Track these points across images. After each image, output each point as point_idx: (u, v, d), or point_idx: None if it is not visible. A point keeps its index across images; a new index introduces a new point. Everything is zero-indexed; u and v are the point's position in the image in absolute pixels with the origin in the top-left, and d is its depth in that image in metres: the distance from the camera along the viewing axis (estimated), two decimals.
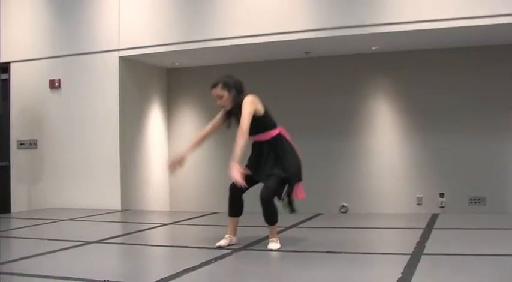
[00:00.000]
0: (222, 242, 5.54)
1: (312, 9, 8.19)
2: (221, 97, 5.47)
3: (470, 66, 8.75)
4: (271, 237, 5.52)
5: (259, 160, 5.52)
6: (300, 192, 5.58)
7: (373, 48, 8.78)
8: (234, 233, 5.68)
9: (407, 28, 7.68)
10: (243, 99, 5.38)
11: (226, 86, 5.44)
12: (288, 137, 5.60)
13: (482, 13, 7.35)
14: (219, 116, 5.70)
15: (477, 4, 7.38)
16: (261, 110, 5.41)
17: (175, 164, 5.79)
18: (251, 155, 5.63)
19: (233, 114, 5.52)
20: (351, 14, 7.92)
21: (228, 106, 5.49)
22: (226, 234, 5.64)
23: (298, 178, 5.55)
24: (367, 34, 7.90)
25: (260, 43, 8.37)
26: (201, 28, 8.63)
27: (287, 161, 5.44)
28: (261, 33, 8.31)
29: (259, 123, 5.42)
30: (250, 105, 5.32)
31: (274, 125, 5.51)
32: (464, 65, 8.78)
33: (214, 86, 5.48)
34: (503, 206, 8.43)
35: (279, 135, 5.51)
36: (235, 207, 5.71)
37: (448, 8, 7.49)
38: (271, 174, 5.42)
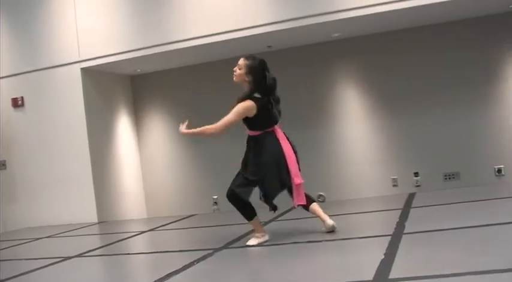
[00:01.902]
0: (257, 241, 5.44)
1: (271, 2, 8.19)
2: (239, 68, 5.44)
3: (432, 45, 8.81)
4: (253, 233, 5.50)
5: (244, 156, 5.58)
6: (298, 198, 5.46)
7: (334, 35, 8.80)
8: (264, 230, 5.60)
9: (367, 12, 7.71)
10: (243, 98, 5.38)
11: (249, 67, 5.40)
12: (283, 139, 5.50)
13: None
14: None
15: None
16: (250, 115, 5.36)
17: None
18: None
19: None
20: (309, 3, 7.93)
21: (237, 79, 5.49)
22: (257, 233, 5.52)
23: (280, 183, 5.45)
24: (327, 22, 7.92)
25: (222, 41, 8.36)
26: (160, 32, 8.60)
27: (256, 164, 5.40)
28: (222, 31, 8.30)
29: (247, 121, 5.45)
30: (239, 113, 5.35)
31: (262, 126, 5.44)
32: (426, 44, 8.84)
33: (244, 57, 5.48)
34: (476, 179, 8.51)
35: (263, 136, 5.44)
36: (249, 209, 5.59)
37: None
38: (240, 173, 5.50)
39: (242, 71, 5.38)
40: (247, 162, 5.47)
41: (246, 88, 5.39)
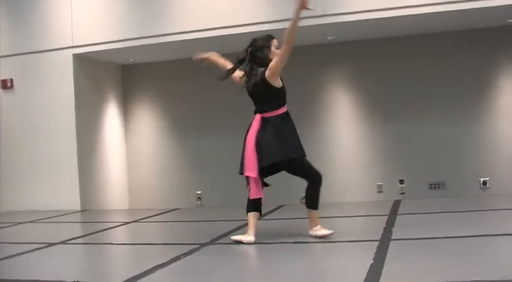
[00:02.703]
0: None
1: (269, 1, 8.18)
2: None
3: (426, 53, 8.87)
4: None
5: None
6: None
7: (329, 38, 8.82)
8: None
9: (363, 17, 7.77)
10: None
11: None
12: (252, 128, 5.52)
13: (431, 1, 7.52)
14: (239, 72, 5.62)
15: None
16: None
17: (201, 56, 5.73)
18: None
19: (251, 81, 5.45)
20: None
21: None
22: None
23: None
24: (324, 24, 7.93)
25: (216, 36, 8.33)
26: (155, 23, 8.56)
27: None
28: (217, 26, 8.28)
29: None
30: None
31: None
32: (420, 52, 8.90)
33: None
34: (461, 190, 8.57)
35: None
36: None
37: None
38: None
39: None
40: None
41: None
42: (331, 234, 5.24)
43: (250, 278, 4.18)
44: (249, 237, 5.26)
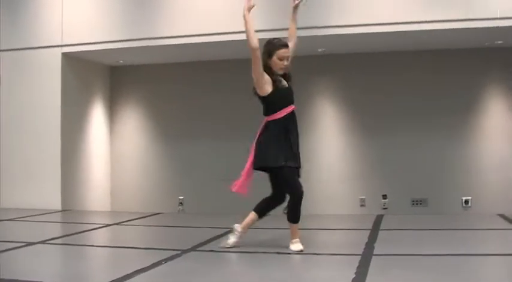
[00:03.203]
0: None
1: (260, 10, 8.16)
2: (288, 59, 5.31)
3: (415, 70, 8.92)
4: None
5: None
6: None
7: (320, 50, 8.83)
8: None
9: (354, 31, 7.81)
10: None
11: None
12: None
13: (423, 19, 7.60)
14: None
15: (422, 10, 7.58)
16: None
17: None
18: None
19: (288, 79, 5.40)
20: (300, 16, 7.93)
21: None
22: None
23: None
24: (314, 36, 7.96)
25: (207, 42, 8.33)
26: (147, 26, 8.53)
27: None
28: (208, 32, 8.26)
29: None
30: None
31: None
32: (409, 68, 8.95)
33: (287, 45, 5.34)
34: (444, 208, 8.61)
35: None
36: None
37: (396, 12, 7.67)
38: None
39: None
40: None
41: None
42: (300, 250, 5.19)
43: None
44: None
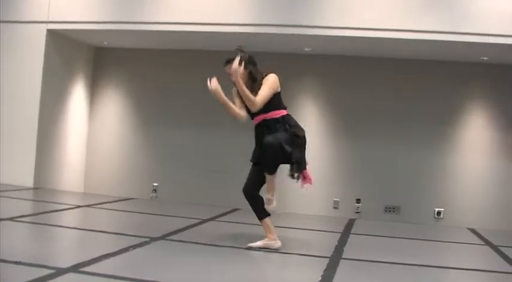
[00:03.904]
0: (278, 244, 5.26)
1: (252, 4, 8.16)
2: (236, 72, 5.10)
3: (398, 78, 8.95)
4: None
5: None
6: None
7: (306, 49, 8.82)
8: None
9: (344, 33, 7.82)
10: (263, 75, 5.25)
11: (245, 60, 5.17)
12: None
13: (411, 28, 7.64)
14: (237, 100, 5.38)
15: (413, 19, 7.60)
16: (278, 88, 5.31)
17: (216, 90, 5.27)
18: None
19: (251, 89, 5.20)
20: (287, 13, 7.94)
21: (244, 81, 5.16)
22: (271, 235, 5.29)
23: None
24: (301, 35, 7.97)
25: (194, 32, 8.27)
26: (136, 10, 8.44)
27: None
28: (196, 21, 8.21)
29: (273, 100, 5.29)
30: (271, 85, 5.21)
31: (282, 104, 5.42)
32: (392, 76, 8.97)
33: (231, 60, 5.18)
34: (416, 217, 8.64)
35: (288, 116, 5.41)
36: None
37: (386, 19, 7.69)
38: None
39: (241, 68, 5.09)
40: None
41: (247, 79, 5.24)
42: (258, 246, 5.20)
43: (192, 278, 4.12)
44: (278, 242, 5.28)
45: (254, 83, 5.23)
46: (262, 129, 5.24)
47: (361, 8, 7.84)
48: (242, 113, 5.35)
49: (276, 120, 5.25)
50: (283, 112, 5.34)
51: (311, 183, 5.44)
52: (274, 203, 5.22)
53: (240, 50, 5.23)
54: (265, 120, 5.25)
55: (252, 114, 5.30)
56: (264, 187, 5.31)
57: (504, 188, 8.61)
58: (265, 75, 5.25)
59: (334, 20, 7.85)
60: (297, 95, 9.25)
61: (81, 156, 9.95)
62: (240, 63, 5.05)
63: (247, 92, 5.07)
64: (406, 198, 8.81)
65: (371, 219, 8.58)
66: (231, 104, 5.28)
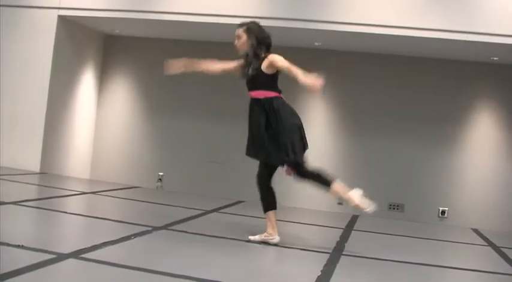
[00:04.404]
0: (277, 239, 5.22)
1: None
2: (239, 38, 5.22)
3: (407, 76, 8.92)
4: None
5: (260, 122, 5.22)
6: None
7: (316, 44, 8.81)
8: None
9: (354, 29, 7.80)
10: (267, 55, 5.19)
11: (249, 30, 5.20)
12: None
13: (421, 25, 7.60)
14: (235, 63, 5.40)
15: (423, 17, 7.58)
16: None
17: (175, 65, 5.58)
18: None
19: (249, 65, 5.24)
20: (297, 7, 7.93)
21: (242, 50, 5.25)
22: (271, 230, 5.22)
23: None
24: (313, 29, 7.95)
25: (206, 23, 8.27)
26: None
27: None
28: (205, 13, 8.20)
29: (271, 79, 5.26)
30: (283, 60, 5.15)
31: (278, 87, 5.33)
32: (401, 73, 8.94)
33: (239, 25, 5.27)
34: (420, 216, 8.62)
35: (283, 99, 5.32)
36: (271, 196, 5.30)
37: (396, 16, 7.66)
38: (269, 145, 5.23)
39: (244, 37, 5.20)
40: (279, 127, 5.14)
41: (251, 52, 5.22)
42: (257, 240, 5.18)
43: (192, 269, 4.13)
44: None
45: (255, 59, 5.20)
46: (264, 109, 5.18)
47: (371, 4, 7.81)
48: (216, 66, 5.48)
49: (280, 101, 5.24)
50: (278, 94, 5.27)
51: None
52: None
53: (255, 24, 5.28)
54: (268, 99, 5.20)
55: (250, 86, 5.26)
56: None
57: (510, 189, 8.58)
58: (268, 55, 5.20)
59: (344, 16, 7.83)
60: (303, 90, 9.21)
61: (89, 142, 9.98)
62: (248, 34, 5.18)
63: (295, 71, 5.10)
64: (411, 197, 8.80)
65: (375, 216, 8.55)
66: (206, 67, 5.50)
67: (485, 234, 7.48)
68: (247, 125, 5.30)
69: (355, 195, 5.23)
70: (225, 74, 5.61)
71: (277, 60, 5.12)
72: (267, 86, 5.20)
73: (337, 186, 5.27)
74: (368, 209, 5.16)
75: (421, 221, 8.44)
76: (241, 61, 5.36)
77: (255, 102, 5.22)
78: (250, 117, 5.26)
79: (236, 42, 5.28)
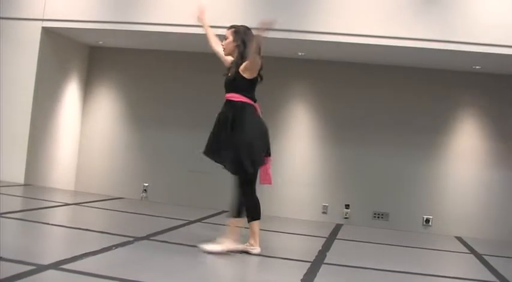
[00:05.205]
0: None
1: (243, 6, 8.21)
2: (226, 38, 5.29)
3: (389, 85, 9.00)
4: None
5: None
6: (266, 177, 5.35)
7: (300, 54, 8.86)
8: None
9: (337, 39, 7.86)
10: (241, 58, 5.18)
11: (236, 32, 5.26)
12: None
13: (404, 35, 7.68)
14: (229, 59, 5.38)
15: (406, 27, 7.65)
16: (255, 71, 5.18)
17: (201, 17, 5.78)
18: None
19: (232, 66, 5.24)
20: (282, 17, 7.94)
21: (226, 51, 5.30)
22: (252, 240, 5.22)
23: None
24: (296, 39, 8.00)
25: (190, 34, 8.27)
26: (131, 10, 8.46)
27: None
28: (188, 23, 8.18)
29: (244, 82, 5.18)
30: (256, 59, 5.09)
31: (253, 94, 5.29)
32: (383, 82, 9.02)
33: (228, 28, 5.36)
34: (404, 224, 8.67)
35: (254, 108, 5.26)
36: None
37: (379, 26, 7.74)
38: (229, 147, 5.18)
39: (230, 39, 5.26)
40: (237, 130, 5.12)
41: (236, 54, 5.23)
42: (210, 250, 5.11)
43: (172, 279, 4.14)
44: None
45: (241, 60, 5.18)
46: (228, 113, 5.17)
47: (354, 14, 7.87)
48: (217, 48, 5.58)
49: (244, 105, 5.18)
50: (252, 102, 5.24)
51: (270, 184, 5.36)
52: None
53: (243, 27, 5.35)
54: (232, 102, 5.19)
55: (226, 88, 5.26)
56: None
57: (493, 197, 8.65)
58: (240, 62, 5.19)
59: (327, 26, 7.88)
60: (288, 99, 9.29)
61: (73, 154, 9.98)
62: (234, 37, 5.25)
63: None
64: (395, 205, 8.84)
65: (360, 225, 8.60)
66: (210, 35, 5.70)
67: (469, 241, 7.51)
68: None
69: (224, 245, 5.09)
70: (217, 58, 5.61)
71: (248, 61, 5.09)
72: (242, 91, 5.18)
73: (235, 223, 5.20)
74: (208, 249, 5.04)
75: (405, 230, 8.48)
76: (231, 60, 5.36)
77: (227, 103, 5.22)
78: (218, 118, 5.26)
79: (223, 43, 5.35)
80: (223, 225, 6.83)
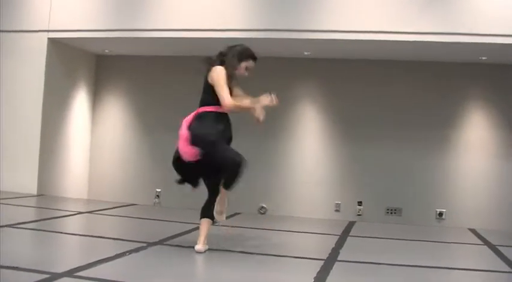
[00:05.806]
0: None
1: (249, 9, 8.22)
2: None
3: (399, 80, 8.99)
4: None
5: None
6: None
7: (306, 53, 8.87)
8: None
9: (343, 37, 7.87)
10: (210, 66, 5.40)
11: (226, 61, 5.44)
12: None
13: (410, 29, 7.68)
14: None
15: (410, 21, 7.64)
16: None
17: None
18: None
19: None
20: (285, 18, 7.99)
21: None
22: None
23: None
24: (301, 39, 8.00)
25: (193, 38, 8.33)
26: (136, 17, 8.50)
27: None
28: (194, 28, 8.26)
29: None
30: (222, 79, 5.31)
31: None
32: (393, 78, 9.02)
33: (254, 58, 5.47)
34: (418, 218, 8.66)
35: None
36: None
37: (384, 21, 7.73)
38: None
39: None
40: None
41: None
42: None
43: None
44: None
45: (230, 80, 5.36)
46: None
47: (359, 11, 7.87)
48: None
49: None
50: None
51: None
52: (224, 217, 5.27)
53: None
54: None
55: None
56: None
57: (506, 188, 8.61)
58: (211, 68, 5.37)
59: (333, 24, 7.89)
60: (296, 99, 9.30)
61: (85, 163, 10.03)
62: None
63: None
64: (408, 200, 8.83)
65: (373, 221, 8.59)
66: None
67: (482, 233, 7.47)
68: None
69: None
70: None
71: (213, 75, 5.43)
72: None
73: (205, 223, 5.33)
74: None
75: (419, 224, 8.46)
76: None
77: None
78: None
79: (247, 74, 5.49)
80: (237, 227, 6.88)
